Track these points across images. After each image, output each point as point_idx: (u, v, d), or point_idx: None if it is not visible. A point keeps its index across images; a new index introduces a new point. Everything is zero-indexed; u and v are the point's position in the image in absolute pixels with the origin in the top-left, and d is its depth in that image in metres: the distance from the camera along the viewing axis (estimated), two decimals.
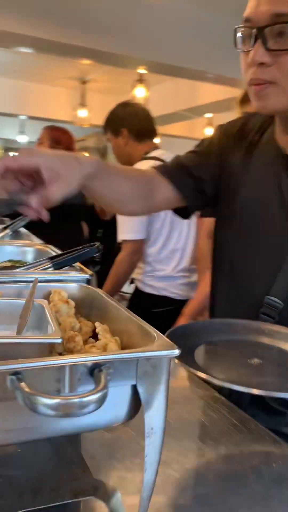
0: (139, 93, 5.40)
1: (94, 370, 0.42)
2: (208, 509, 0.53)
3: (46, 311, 0.56)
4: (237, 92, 2.04)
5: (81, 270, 0.82)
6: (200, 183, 0.97)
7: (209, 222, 1.55)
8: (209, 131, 6.78)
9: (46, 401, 0.37)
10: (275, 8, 0.72)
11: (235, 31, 0.79)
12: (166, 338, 0.47)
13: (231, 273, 0.93)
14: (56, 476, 0.56)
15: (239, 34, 0.78)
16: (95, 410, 0.38)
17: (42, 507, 0.50)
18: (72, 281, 0.76)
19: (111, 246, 2.19)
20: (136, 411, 0.46)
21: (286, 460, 0.63)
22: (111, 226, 2.26)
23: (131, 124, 2.04)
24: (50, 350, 0.52)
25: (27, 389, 0.38)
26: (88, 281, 0.79)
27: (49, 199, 0.72)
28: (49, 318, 0.54)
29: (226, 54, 2.25)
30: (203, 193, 0.98)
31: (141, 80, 5.37)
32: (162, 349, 0.45)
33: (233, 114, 1.77)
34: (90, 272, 0.83)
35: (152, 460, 0.45)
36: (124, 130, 2.05)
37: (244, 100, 1.81)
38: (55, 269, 0.84)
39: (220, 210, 1.00)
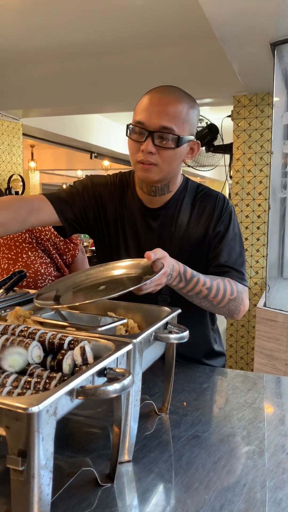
0: None
1: None
2: None
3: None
4: None
5: (27, 291, 1.28)
6: (75, 215, 1.34)
7: None
8: None
9: None
10: (162, 122, 1.17)
11: (127, 126, 1.22)
12: None
13: None
14: None
15: (131, 128, 1.21)
16: None
17: None
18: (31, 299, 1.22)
19: None
20: None
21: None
22: None
23: None
24: None
25: None
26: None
27: None
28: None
29: None
30: (76, 222, 1.35)
31: None
32: None
33: None
34: (34, 291, 1.29)
35: None
36: None
37: None
38: (7, 293, 1.26)
39: (101, 242, 1.40)
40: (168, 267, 1.08)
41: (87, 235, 8.37)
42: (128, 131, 1.23)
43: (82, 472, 0.81)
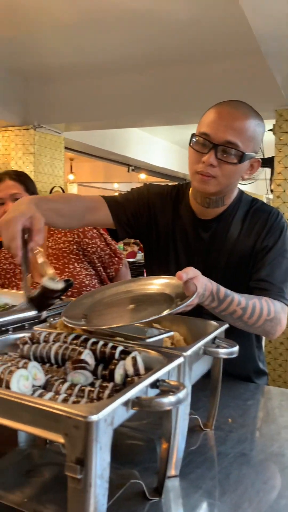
0: None
1: None
2: None
3: None
4: None
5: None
6: (128, 219, 1.37)
7: None
8: None
9: None
10: (228, 137, 1.17)
11: (192, 135, 1.22)
12: None
13: None
14: None
15: (195, 139, 1.22)
16: None
17: None
18: None
19: None
20: None
21: None
22: None
23: None
24: None
25: None
26: None
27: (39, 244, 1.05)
28: None
29: None
30: (129, 226, 1.38)
31: None
32: None
33: None
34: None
35: None
36: None
37: None
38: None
39: (151, 249, 1.43)
40: (200, 287, 1.03)
41: (121, 246, 8.44)
42: (192, 141, 1.23)
43: (130, 485, 0.81)
